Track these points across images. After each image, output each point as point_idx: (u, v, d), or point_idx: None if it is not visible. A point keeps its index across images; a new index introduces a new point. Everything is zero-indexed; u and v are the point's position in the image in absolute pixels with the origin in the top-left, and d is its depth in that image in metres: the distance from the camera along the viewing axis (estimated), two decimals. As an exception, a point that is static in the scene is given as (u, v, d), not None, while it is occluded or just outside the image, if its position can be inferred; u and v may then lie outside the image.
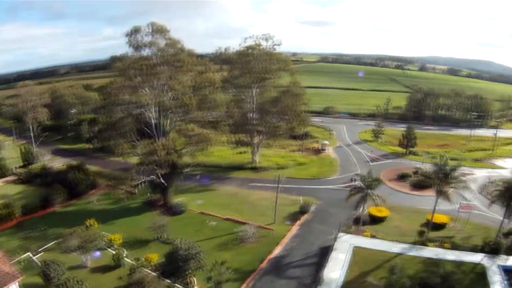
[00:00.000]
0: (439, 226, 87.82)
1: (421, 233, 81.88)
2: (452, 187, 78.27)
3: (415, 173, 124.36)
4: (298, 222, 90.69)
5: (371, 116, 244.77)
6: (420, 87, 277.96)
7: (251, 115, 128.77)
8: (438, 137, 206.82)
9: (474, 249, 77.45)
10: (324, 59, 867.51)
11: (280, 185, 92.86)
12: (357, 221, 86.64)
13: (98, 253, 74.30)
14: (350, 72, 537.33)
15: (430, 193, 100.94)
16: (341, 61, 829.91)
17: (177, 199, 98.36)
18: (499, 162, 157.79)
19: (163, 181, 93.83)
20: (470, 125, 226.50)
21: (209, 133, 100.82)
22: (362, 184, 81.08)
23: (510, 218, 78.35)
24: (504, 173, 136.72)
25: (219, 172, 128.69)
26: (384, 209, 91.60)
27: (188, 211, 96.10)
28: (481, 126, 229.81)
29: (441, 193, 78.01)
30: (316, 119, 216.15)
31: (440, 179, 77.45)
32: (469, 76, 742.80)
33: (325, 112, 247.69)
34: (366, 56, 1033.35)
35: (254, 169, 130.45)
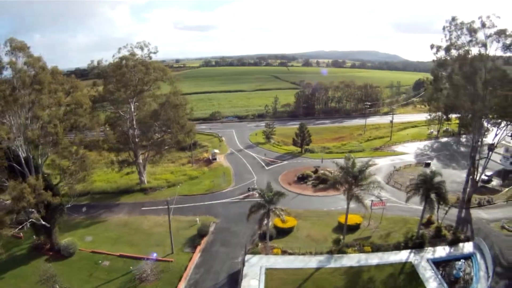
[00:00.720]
0: (353, 228, 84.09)
1: (337, 242, 76.44)
2: (363, 189, 73.13)
3: (315, 172, 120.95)
4: (198, 248, 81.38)
5: (260, 116, 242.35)
6: (309, 82, 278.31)
7: (132, 132, 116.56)
8: (333, 131, 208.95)
9: (398, 247, 74.96)
10: (208, 63, 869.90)
11: (173, 206, 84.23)
12: (263, 236, 79.04)
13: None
14: (233, 74, 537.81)
15: (334, 193, 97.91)
16: (224, 64, 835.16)
17: (64, 240, 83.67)
18: (398, 148, 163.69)
19: (44, 222, 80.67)
20: (363, 114, 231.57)
21: (87, 157, 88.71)
22: (261, 199, 72.45)
23: (430, 211, 75.20)
24: (407, 158, 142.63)
25: (107, 199, 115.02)
26: (290, 218, 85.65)
27: (78, 252, 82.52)
28: (374, 114, 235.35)
29: (352, 197, 72.68)
30: (203, 126, 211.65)
31: (349, 183, 72.07)
32: (353, 66, 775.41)
33: (212, 118, 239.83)
34: (249, 56, 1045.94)
35: (144, 190, 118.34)
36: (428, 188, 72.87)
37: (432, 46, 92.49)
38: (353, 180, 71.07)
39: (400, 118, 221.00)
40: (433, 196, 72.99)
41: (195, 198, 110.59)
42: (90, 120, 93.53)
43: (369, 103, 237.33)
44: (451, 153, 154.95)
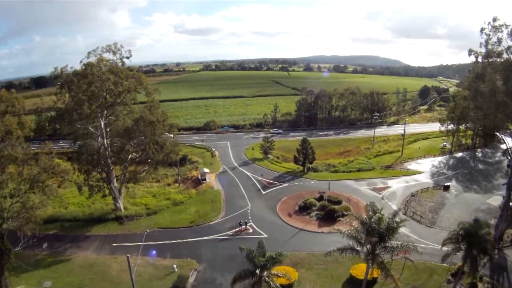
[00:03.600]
0: (369, 284, 64.35)
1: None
2: (390, 251, 53.42)
3: (320, 199, 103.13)
4: (172, 311, 63.06)
5: (259, 126, 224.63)
6: (311, 89, 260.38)
7: (104, 151, 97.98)
8: (338, 144, 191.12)
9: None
10: (208, 67, 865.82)
11: (142, 244, 68.85)
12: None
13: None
14: (232, 79, 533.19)
15: (343, 227, 79.35)
16: (224, 68, 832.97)
17: (17, 288, 67.90)
18: (411, 165, 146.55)
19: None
20: (369, 124, 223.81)
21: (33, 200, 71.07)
22: (251, 264, 52.87)
23: (471, 269, 57.03)
24: (422, 179, 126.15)
25: (77, 228, 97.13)
26: (290, 269, 67.13)
27: (31, 305, 65.35)
28: (381, 124, 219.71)
29: (375, 264, 53.48)
30: (195, 137, 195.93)
31: (372, 244, 52.89)
32: (355, 71, 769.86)
33: (206, 128, 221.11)
34: (250, 60, 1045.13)
35: (119, 219, 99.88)
36: (471, 243, 54.72)
37: (470, 53, 75.39)
38: (377, 239, 52.21)
39: (409, 129, 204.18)
40: (475, 251, 55.04)
41: (177, 232, 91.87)
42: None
43: (378, 114, 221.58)
44: (470, 171, 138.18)
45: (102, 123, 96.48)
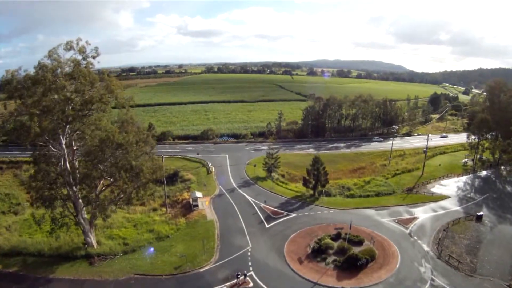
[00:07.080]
0: None
1: None
2: None
3: (338, 237, 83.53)
4: None
5: (262, 135, 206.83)
6: (320, 96, 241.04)
7: (68, 177, 77.24)
8: (350, 159, 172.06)
9: None
10: (210, 69, 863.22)
11: None
12: None
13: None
14: (234, 82, 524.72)
15: (370, 281, 65.80)
16: (227, 71, 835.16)
17: None
18: (435, 187, 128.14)
19: None
20: (379, 134, 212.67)
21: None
22: None
23: None
24: (450, 206, 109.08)
25: (41, 266, 77.69)
26: None
27: None
28: (394, 136, 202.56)
29: None
30: (191, 148, 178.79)
31: None
32: (359, 76, 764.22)
33: (203, 137, 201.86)
34: (252, 63, 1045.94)
35: (89, 257, 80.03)
36: None
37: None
38: None
39: (425, 142, 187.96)
40: None
41: (157, 283, 71.46)
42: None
43: (396, 126, 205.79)
44: (499, 195, 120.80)
45: (63, 142, 76.61)
